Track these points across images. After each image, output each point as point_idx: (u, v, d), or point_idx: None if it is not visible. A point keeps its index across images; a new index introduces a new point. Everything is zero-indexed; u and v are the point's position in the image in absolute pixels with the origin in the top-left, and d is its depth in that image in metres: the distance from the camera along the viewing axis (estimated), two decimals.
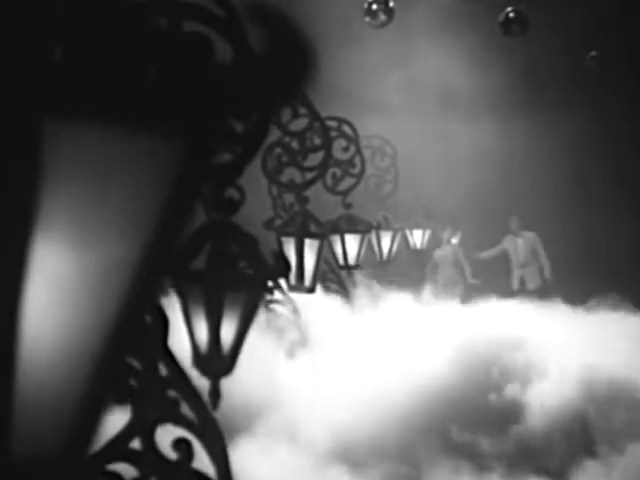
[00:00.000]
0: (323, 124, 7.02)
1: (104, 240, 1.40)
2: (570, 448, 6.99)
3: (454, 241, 13.46)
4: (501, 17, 12.01)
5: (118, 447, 2.32)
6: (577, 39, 13.11)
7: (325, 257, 7.64)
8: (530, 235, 13.24)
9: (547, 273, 13.15)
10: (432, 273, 13.32)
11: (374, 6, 11.38)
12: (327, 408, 6.84)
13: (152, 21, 1.43)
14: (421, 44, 13.55)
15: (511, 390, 7.48)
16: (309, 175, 7.03)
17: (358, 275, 8.88)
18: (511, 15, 11.94)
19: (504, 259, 13.48)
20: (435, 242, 13.18)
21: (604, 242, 13.18)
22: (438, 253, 13.43)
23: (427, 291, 11.94)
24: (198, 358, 3.29)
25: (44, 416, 1.39)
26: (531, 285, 13.18)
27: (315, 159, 7.03)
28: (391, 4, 11.43)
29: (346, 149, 8.21)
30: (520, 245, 13.32)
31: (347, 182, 8.23)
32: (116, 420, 2.22)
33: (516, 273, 13.42)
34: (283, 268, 3.39)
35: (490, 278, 12.62)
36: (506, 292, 11.62)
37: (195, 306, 3.33)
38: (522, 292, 12.47)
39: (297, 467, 6.24)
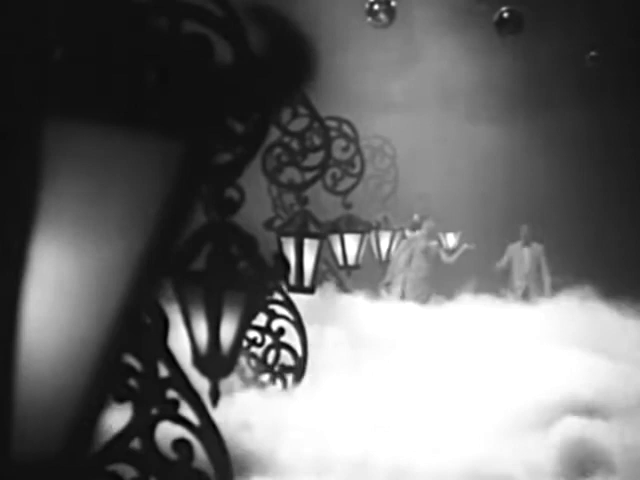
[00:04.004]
0: (323, 124, 7.01)
1: (104, 240, 1.40)
2: None
3: (452, 241, 13.11)
4: (495, 17, 11.96)
5: (118, 447, 2.32)
6: (577, 39, 13.11)
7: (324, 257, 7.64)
8: (537, 247, 12.79)
9: (547, 289, 12.58)
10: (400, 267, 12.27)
11: (375, 6, 11.37)
12: None
13: (152, 21, 1.43)
14: (422, 44, 13.55)
15: None
16: (309, 175, 7.03)
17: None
18: (505, 15, 11.90)
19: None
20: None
21: (604, 242, 13.17)
22: (410, 242, 12.37)
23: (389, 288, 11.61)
24: (198, 358, 3.29)
25: (44, 416, 1.39)
26: (534, 298, 12.40)
27: (315, 159, 7.02)
28: (393, 4, 11.42)
29: (346, 149, 8.21)
30: (527, 256, 12.83)
31: (347, 182, 8.22)
32: (116, 420, 2.22)
33: (520, 284, 12.83)
34: (283, 269, 3.39)
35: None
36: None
37: (195, 306, 3.33)
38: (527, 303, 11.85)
39: None
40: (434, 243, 12.51)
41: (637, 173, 13.26)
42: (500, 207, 13.48)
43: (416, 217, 12.49)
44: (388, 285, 11.82)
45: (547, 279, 12.64)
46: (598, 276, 10.15)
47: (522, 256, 12.86)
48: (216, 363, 3.32)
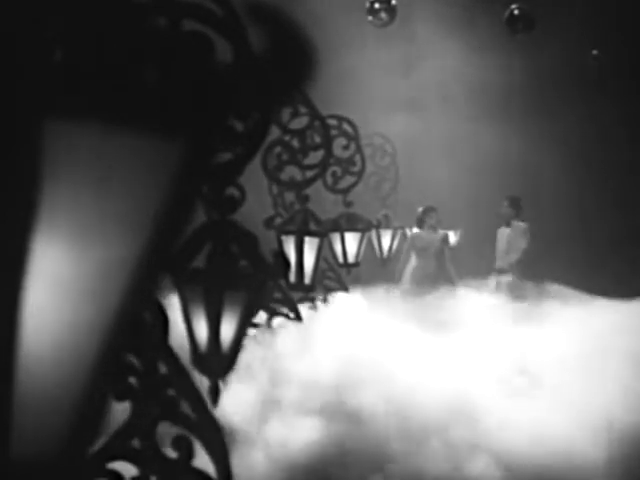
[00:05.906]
0: (323, 122, 7.02)
1: (104, 239, 1.40)
2: None
3: (452, 239, 12.80)
4: (506, 15, 11.91)
5: (118, 446, 2.32)
6: (579, 38, 13.10)
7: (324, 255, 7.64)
8: (520, 226, 11.27)
9: (513, 259, 11.03)
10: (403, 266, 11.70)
11: (376, 5, 11.37)
12: None
13: (152, 21, 1.43)
14: (423, 43, 13.55)
15: None
16: (309, 173, 7.04)
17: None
18: (516, 12, 11.85)
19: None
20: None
21: (603, 243, 13.17)
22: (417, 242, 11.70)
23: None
24: (198, 357, 3.30)
25: (44, 415, 1.39)
26: (503, 281, 11.04)
27: (315, 157, 7.03)
28: (393, 2, 11.42)
29: (346, 147, 8.20)
30: (505, 236, 11.33)
31: (347, 180, 8.22)
32: (116, 419, 2.22)
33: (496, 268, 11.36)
34: (283, 267, 3.39)
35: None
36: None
37: (195, 305, 3.34)
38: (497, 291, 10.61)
39: None
40: (438, 238, 12.09)
41: (637, 173, 13.26)
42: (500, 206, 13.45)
43: (420, 210, 12.04)
44: (399, 282, 11.73)
45: (517, 254, 11.01)
46: (595, 275, 10.15)
47: (501, 236, 11.38)
48: (216, 361, 3.32)
